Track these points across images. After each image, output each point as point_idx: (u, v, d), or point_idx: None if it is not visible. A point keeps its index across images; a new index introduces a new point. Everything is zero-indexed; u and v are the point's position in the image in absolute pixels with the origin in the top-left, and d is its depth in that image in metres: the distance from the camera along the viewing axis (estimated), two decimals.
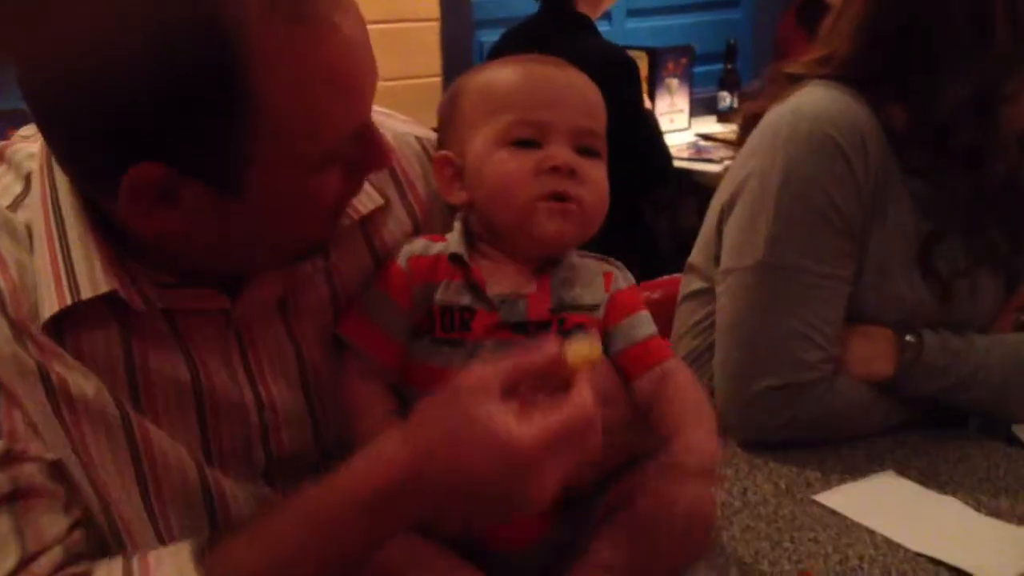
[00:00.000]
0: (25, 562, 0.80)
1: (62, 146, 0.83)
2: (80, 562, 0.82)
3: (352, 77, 0.82)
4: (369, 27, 0.84)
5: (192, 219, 0.82)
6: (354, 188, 0.93)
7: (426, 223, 1.05)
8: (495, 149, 0.95)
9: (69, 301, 0.84)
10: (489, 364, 0.79)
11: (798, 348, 1.28)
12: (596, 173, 0.95)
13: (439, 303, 0.94)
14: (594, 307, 0.95)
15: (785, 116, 1.33)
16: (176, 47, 0.74)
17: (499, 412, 0.77)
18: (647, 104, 3.14)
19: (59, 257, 0.85)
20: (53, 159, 0.87)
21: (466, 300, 0.94)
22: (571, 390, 0.78)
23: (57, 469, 0.84)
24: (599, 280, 0.97)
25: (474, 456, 0.76)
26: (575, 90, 0.97)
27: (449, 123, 1.01)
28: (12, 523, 0.80)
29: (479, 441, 0.76)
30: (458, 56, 3.26)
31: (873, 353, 1.31)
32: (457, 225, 0.99)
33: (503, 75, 0.98)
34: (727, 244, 1.36)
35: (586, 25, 2.82)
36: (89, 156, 0.81)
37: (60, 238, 0.85)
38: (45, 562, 0.80)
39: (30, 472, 0.82)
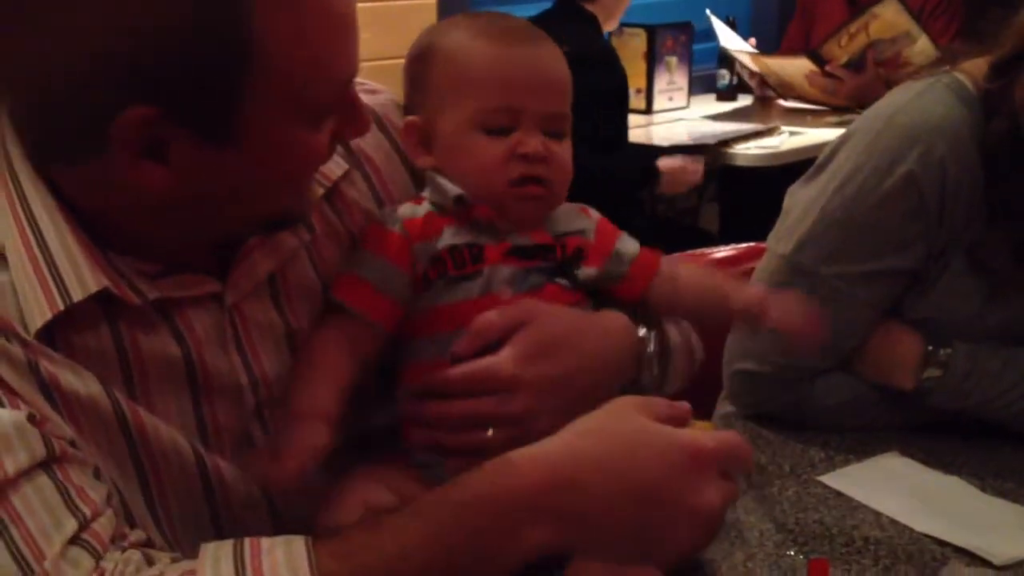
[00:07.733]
0: (85, 524, 0.78)
1: (36, 111, 0.81)
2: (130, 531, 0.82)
3: (345, 20, 0.83)
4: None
5: (179, 174, 0.80)
6: (330, 153, 0.93)
7: (384, 189, 1.06)
8: (469, 132, 0.97)
9: (61, 307, 0.82)
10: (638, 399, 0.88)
11: (783, 347, 1.26)
12: (563, 154, 0.99)
13: (446, 246, 0.96)
14: (584, 231, 1.01)
15: (884, 121, 1.23)
16: None
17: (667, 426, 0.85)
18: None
19: (42, 264, 0.83)
20: (13, 157, 0.85)
21: (472, 238, 0.97)
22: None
23: (75, 445, 0.82)
24: (579, 213, 1.04)
25: (651, 457, 0.82)
26: (548, 74, 1.00)
27: (418, 85, 1.02)
28: (54, 487, 0.78)
29: (658, 444, 0.82)
30: None
31: (892, 364, 1.26)
32: (440, 179, 0.99)
33: (477, 50, 0.98)
34: (783, 221, 1.32)
35: (592, 22, 2.96)
36: (66, 116, 0.79)
37: (39, 245, 0.83)
38: (105, 522, 0.79)
39: (59, 438, 0.81)
